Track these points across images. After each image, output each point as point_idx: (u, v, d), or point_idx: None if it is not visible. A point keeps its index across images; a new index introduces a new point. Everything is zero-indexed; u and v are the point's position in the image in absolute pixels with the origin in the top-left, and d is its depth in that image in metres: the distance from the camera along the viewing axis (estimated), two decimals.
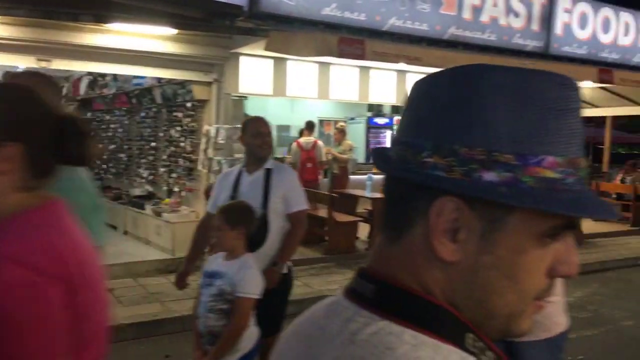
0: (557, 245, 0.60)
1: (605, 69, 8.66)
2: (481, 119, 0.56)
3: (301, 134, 9.66)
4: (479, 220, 0.57)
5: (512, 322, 0.61)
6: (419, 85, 0.63)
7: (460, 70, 0.60)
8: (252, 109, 11.07)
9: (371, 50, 6.09)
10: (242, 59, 8.69)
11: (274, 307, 3.35)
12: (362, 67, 9.32)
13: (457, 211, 0.57)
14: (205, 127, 6.10)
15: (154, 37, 5.71)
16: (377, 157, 0.66)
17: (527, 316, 0.62)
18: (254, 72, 8.69)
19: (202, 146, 6.15)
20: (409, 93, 0.64)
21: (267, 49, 6.68)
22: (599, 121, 20.34)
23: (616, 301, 6.51)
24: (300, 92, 9.21)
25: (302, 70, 9.05)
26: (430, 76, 0.62)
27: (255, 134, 3.35)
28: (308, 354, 0.62)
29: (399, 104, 11.26)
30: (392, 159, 0.63)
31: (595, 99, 14.00)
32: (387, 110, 14.14)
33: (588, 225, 10.63)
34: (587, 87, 12.11)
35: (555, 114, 0.56)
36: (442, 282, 0.59)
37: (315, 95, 9.28)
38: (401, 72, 9.49)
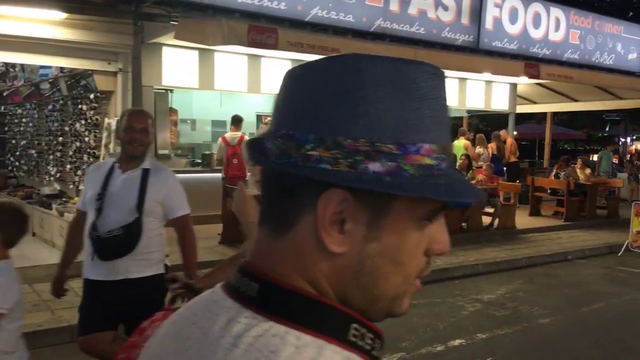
0: (432, 225, 0.62)
1: (531, 63, 8.64)
2: (363, 110, 0.56)
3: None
4: (364, 209, 0.58)
5: (396, 302, 0.63)
6: (295, 75, 0.61)
7: (338, 60, 0.59)
8: (182, 102, 10.61)
9: (285, 40, 5.79)
10: (164, 49, 8.30)
11: (148, 313, 3.06)
12: (294, 61, 9.05)
13: (344, 203, 0.57)
14: (107, 120, 5.68)
15: (42, 22, 5.25)
16: (254, 150, 0.63)
17: (407, 296, 0.64)
18: (178, 64, 8.30)
19: (104, 141, 5.73)
20: (283, 81, 0.62)
21: (176, 37, 6.32)
22: (540, 117, 20.73)
23: (538, 298, 6.44)
24: (230, 86, 8.87)
25: (231, 63, 8.70)
26: (308, 66, 0.61)
27: (126, 129, 3.00)
28: (186, 356, 0.60)
29: None
30: (271, 152, 0.60)
31: (533, 96, 14.16)
32: None
33: (522, 221, 10.68)
34: (523, 83, 12.22)
35: (428, 102, 0.58)
36: (329, 273, 0.59)
37: (245, 89, 8.96)
38: None
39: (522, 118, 22.78)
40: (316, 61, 0.60)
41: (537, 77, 8.84)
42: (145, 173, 3.01)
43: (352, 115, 0.56)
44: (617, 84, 10.49)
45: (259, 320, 0.57)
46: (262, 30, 5.73)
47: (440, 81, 0.60)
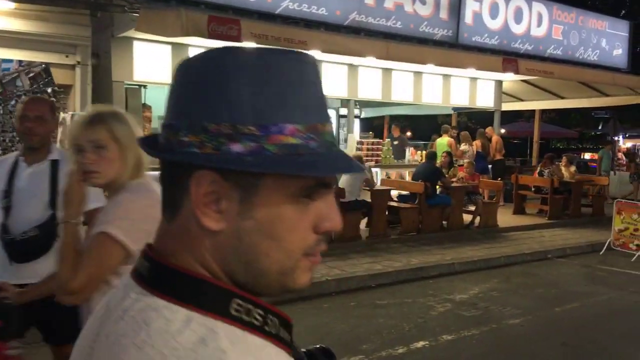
0: (317, 203, 0.65)
1: (509, 58, 8.47)
2: (226, 97, 0.61)
3: None
4: (235, 189, 0.62)
5: (286, 277, 0.66)
6: (178, 69, 0.66)
7: (209, 54, 0.64)
8: (156, 98, 10.39)
9: (248, 31, 5.59)
10: (135, 44, 8.12)
11: (64, 315, 2.86)
12: None
13: (214, 183, 0.61)
14: (61, 115, 5.48)
15: None
16: (145, 143, 0.69)
17: (301, 271, 0.66)
18: (150, 58, 8.11)
19: (59, 137, 5.54)
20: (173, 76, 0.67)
21: (137, 29, 6.12)
22: (528, 115, 20.56)
23: (512, 297, 6.27)
24: None
25: None
26: (187, 59, 0.66)
27: (20, 118, 2.77)
28: (95, 330, 0.66)
29: None
30: (160, 143, 0.66)
31: (519, 93, 14.00)
32: None
33: (505, 219, 10.51)
34: (509, 80, 12.05)
35: (292, 86, 0.62)
36: (213, 250, 0.64)
37: None
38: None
39: (512, 116, 22.64)
40: (194, 55, 0.65)
41: (516, 72, 8.66)
42: (54, 164, 2.78)
43: (217, 102, 0.61)
44: (600, 80, 10.32)
45: (145, 295, 0.62)
46: (224, 22, 5.53)
47: (308, 67, 0.64)
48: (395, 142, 11.28)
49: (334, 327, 5.13)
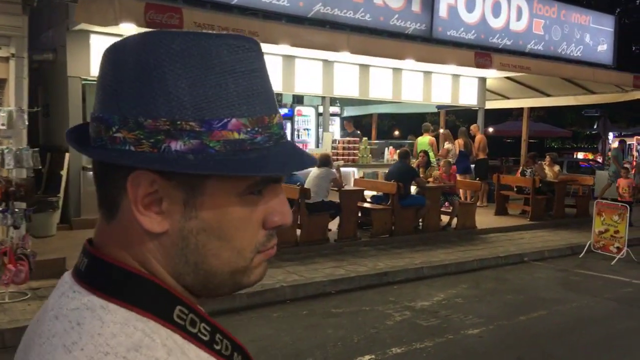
0: (267, 198, 0.62)
1: (482, 52, 8.11)
2: (162, 89, 0.55)
3: None
4: (178, 189, 0.57)
5: (240, 276, 0.63)
6: (105, 54, 0.60)
7: (139, 39, 0.58)
8: None
9: (191, 20, 5.24)
10: (92, 37, 7.80)
11: None
12: None
13: (155, 184, 0.57)
14: None
15: None
16: (71, 137, 0.63)
17: (253, 269, 0.63)
18: None
19: None
20: (100, 61, 0.60)
21: (77, 18, 5.78)
22: (517, 114, 20.18)
23: (477, 305, 5.91)
24: None
25: None
26: (115, 45, 0.60)
27: None
28: (31, 329, 0.62)
29: (286, 92, 10.53)
30: (90, 137, 0.61)
31: (504, 91, 13.65)
32: (287, 100, 13.36)
33: (485, 220, 10.16)
34: (492, 77, 11.70)
35: (235, 76, 0.57)
36: (158, 252, 0.60)
37: None
38: (288, 57, 8.76)
39: (504, 115, 22.29)
40: (123, 39, 0.59)
41: (489, 67, 8.30)
42: None
43: (151, 94, 0.55)
44: (580, 76, 9.95)
45: (81, 294, 0.58)
46: (163, 10, 5.17)
47: (251, 53, 0.58)
48: (349, 138, 11.08)
49: (278, 339, 4.78)
